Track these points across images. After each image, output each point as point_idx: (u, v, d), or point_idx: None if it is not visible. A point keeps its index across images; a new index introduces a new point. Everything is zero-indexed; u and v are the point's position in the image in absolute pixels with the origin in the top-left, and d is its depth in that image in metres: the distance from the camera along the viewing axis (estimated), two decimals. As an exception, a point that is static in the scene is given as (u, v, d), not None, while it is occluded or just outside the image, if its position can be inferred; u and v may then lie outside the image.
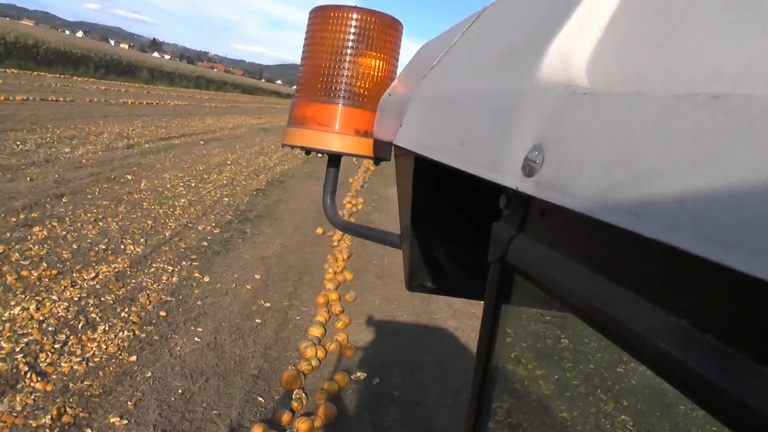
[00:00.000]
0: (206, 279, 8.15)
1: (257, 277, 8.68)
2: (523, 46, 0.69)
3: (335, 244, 11.16)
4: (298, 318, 7.50)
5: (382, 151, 1.74)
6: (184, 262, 8.60)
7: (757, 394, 0.31)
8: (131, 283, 7.46)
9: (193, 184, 13.87)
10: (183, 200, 12.11)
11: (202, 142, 21.74)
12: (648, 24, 0.48)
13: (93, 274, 7.32)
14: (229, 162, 18.33)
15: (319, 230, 11.92)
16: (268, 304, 7.81)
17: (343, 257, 10.39)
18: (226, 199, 13.09)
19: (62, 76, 41.42)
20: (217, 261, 9.01)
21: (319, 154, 1.77)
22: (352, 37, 1.64)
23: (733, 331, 0.36)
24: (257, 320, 7.13)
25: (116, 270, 7.67)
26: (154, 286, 7.53)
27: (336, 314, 7.73)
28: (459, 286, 1.54)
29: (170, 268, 8.25)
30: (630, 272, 0.48)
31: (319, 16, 1.67)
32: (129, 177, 13.09)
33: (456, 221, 1.42)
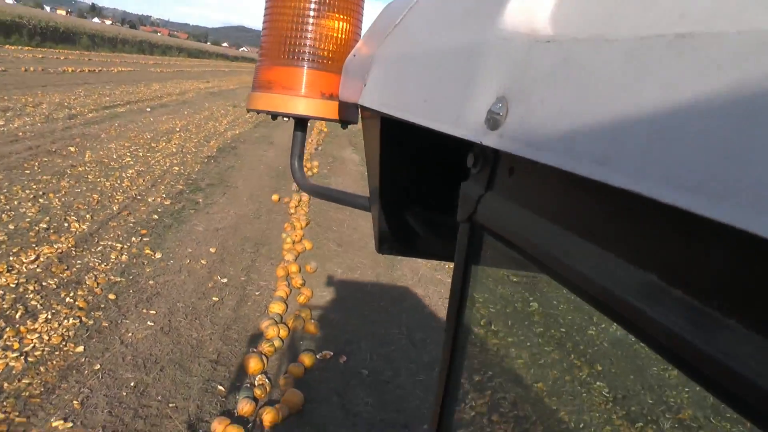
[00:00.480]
0: (158, 255, 7.67)
1: (212, 250, 8.22)
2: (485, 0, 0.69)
3: (292, 211, 10.72)
4: (257, 293, 7.10)
5: (348, 114, 1.72)
6: (133, 239, 8.08)
7: (725, 347, 0.31)
8: (76, 264, 6.94)
9: (140, 154, 13.20)
10: (131, 171, 11.48)
11: (148, 110, 20.85)
12: None
13: (33, 257, 6.77)
14: (177, 129, 17.59)
15: (275, 197, 11.46)
16: (225, 280, 7.38)
17: (301, 225, 9.97)
18: (176, 168, 12.48)
19: (-8, 45, 39.01)
20: (169, 235, 8.50)
21: (285, 119, 1.76)
22: None
23: (702, 283, 0.36)
24: (214, 298, 6.71)
25: (59, 251, 7.13)
26: (102, 266, 7.02)
27: (297, 287, 7.34)
28: (429, 247, 1.50)
29: (119, 245, 7.74)
30: (598, 227, 0.48)
31: None
32: (72, 149, 12.36)
33: (425, 182, 1.39)
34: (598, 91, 0.39)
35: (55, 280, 6.36)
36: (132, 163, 12.22)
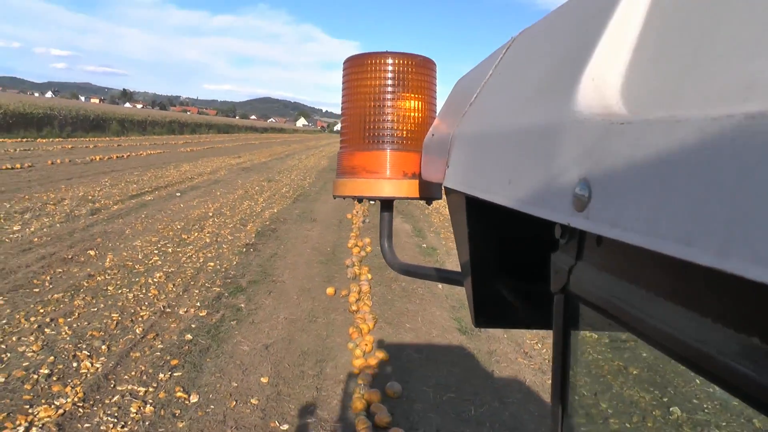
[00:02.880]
0: (193, 399, 5.80)
1: (264, 381, 6.34)
2: (556, 76, 0.71)
3: (354, 308, 8.82)
4: None
5: (431, 191, 1.76)
6: (161, 375, 6.24)
7: None
8: (80, 425, 5.10)
9: (170, 250, 11.50)
10: (158, 275, 9.74)
11: (178, 194, 19.34)
12: (675, 41, 0.49)
13: (23, 427, 4.94)
14: (210, 213, 15.97)
15: (330, 290, 9.60)
16: (285, 427, 5.47)
17: (369, 327, 8.06)
18: (212, 264, 10.73)
19: (23, 140, 38.12)
20: (208, 364, 6.64)
21: (371, 201, 1.84)
22: (390, 81, 1.70)
23: None
24: None
25: (61, 412, 5.30)
26: (119, 428, 5.17)
27: (384, 428, 5.41)
28: (526, 317, 1.42)
29: (142, 389, 5.90)
30: (693, 294, 0.48)
31: (354, 65, 1.73)
32: (91, 253, 10.71)
33: (515, 254, 1.35)
34: (676, 173, 0.40)
35: (52, 465, 4.51)
36: (160, 263, 10.49)
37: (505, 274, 1.39)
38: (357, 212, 16.96)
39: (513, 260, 1.37)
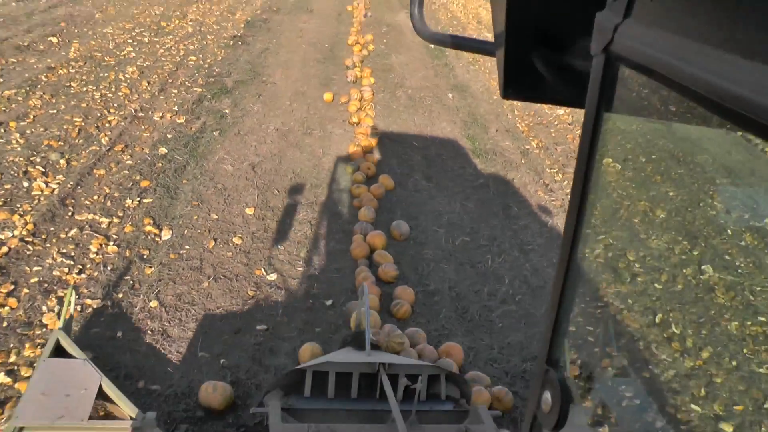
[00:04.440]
0: (165, 236, 4.83)
1: (249, 213, 5.34)
2: None
3: (354, 119, 7.64)
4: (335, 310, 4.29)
5: None
6: (128, 201, 5.22)
7: None
8: (28, 276, 4.17)
9: (146, 40, 10.01)
10: (131, 69, 8.39)
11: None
12: None
13: (-47, 272, 3.99)
14: (194, -2, 14.13)
15: (328, 96, 8.34)
16: (273, 277, 4.57)
17: (371, 143, 6.95)
18: (193, 59, 9.33)
19: None
20: (183, 188, 5.59)
21: None
22: None
23: None
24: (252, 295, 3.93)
25: (5, 251, 4.34)
26: (74, 274, 4.24)
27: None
28: (556, 92, 1.38)
29: (105, 220, 4.90)
30: (757, 43, 0.45)
31: None
32: (53, 40, 9.23)
33: (553, 23, 1.27)
34: None
35: (-16, 325, 3.61)
36: (134, 55, 9.08)
37: (540, 46, 1.31)
38: (358, 4, 15.10)
39: (550, 30, 1.28)
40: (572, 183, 0.87)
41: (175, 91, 7.91)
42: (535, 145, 7.89)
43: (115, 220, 4.93)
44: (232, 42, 10.57)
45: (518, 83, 1.40)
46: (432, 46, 12.07)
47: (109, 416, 3.03)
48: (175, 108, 7.35)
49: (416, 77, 9.86)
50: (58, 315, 3.62)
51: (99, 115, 6.82)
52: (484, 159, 7.22)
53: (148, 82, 8.04)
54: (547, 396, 1.03)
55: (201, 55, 9.58)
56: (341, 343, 4.10)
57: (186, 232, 4.92)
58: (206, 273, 4.46)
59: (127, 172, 5.69)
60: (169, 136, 6.58)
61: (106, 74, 8.06)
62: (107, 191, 5.31)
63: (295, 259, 4.82)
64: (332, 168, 6.40)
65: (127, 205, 5.14)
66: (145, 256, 4.53)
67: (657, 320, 4.91)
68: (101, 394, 2.98)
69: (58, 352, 3.13)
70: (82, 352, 3.13)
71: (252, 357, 3.78)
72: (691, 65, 0.53)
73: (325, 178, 6.16)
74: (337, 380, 3.12)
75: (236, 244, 4.86)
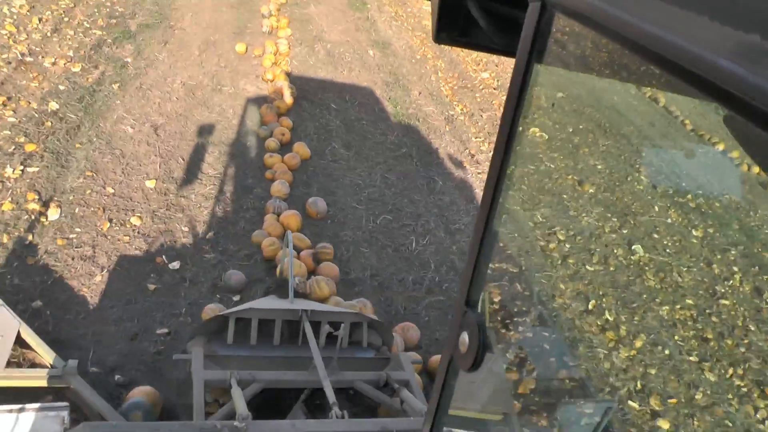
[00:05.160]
0: (53, 215, 4.28)
1: (149, 186, 4.82)
2: None
3: (269, 75, 7.09)
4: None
5: None
6: (8, 169, 4.59)
7: None
8: None
9: (39, -33, 8.95)
10: (19, 3, 7.45)
11: None
12: None
13: None
14: None
15: (241, 47, 7.72)
16: (176, 265, 4.14)
17: (287, 104, 6.47)
18: (93, -7, 8.42)
19: None
20: (76, 155, 4.99)
21: None
22: None
23: None
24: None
25: None
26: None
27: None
28: (490, 40, 1.33)
29: (-21, 192, 4.28)
30: None
31: None
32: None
33: None
34: None
35: None
36: (23, -14, 8.09)
37: None
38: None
39: None
40: (498, 132, 0.85)
41: (71, 33, 7.10)
42: (459, 110, 7.60)
43: (-8, 196, 4.32)
44: (137, -24, 9.62)
45: (451, 28, 1.38)
46: (354, -6, 11.45)
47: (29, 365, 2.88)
48: (70, 53, 6.59)
49: (336, 30, 9.31)
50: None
51: (-23, 59, 6.01)
52: (407, 125, 6.88)
53: (40, 20, 7.17)
54: (465, 337, 1.03)
55: (102, -11, 8.65)
56: (264, 292, 3.99)
57: (77, 210, 4.37)
58: (99, 263, 3.96)
59: (8, 132, 5.02)
60: (61, 87, 5.87)
61: (-13, 8, 7.13)
62: (-14, 156, 4.66)
63: (200, 243, 4.39)
64: (243, 132, 5.91)
65: (6, 176, 4.52)
66: (27, 242, 3.98)
67: (590, 307, 4.80)
68: (19, 342, 2.82)
69: None
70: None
71: (152, 370, 3.37)
72: (630, 14, 0.51)
73: (235, 145, 5.67)
74: (260, 328, 3.09)
75: (134, 226, 4.37)
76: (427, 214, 5.36)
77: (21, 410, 2.36)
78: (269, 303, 3.25)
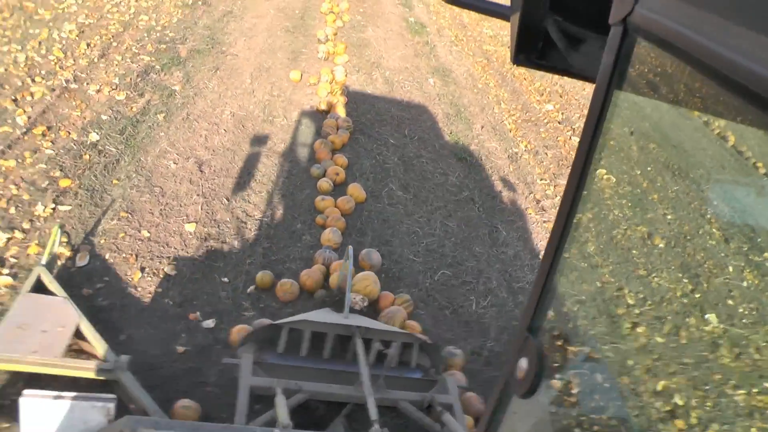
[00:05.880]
0: (80, 262, 3.80)
1: (189, 230, 4.33)
2: None
3: (323, 106, 6.60)
4: None
5: None
6: (38, 208, 4.15)
7: None
8: None
9: (93, -10, 8.71)
10: (69, 28, 7.16)
11: None
12: None
13: None
14: (155, -57, 12.68)
15: (295, 75, 7.26)
16: (211, 324, 3.61)
17: (342, 140, 5.95)
18: (145, 19, 8.10)
19: None
20: (112, 193, 4.54)
21: None
22: None
23: None
24: None
25: None
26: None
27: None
28: (567, 63, 1.32)
29: (3, 236, 3.83)
30: None
31: None
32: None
33: None
34: None
35: None
36: (75, 9, 7.80)
37: (556, 12, 1.26)
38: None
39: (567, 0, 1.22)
40: (571, 166, 0.83)
41: (119, 58, 6.74)
42: (523, 147, 6.98)
43: (18, 235, 3.87)
44: (191, 1, 9.32)
45: (530, 50, 1.36)
46: (412, 19, 10.99)
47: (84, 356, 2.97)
48: (116, 80, 6.21)
49: (395, 56, 8.81)
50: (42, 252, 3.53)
51: (20, 84, 5.66)
52: (469, 163, 6.29)
53: (88, 45, 6.84)
54: (523, 362, 1.01)
55: (154, 15, 8.35)
56: (320, 303, 3.87)
57: (108, 256, 3.89)
58: (125, 319, 3.45)
59: (44, 165, 4.60)
60: (104, 117, 5.47)
61: (37, 31, 6.82)
62: (14, 192, 4.24)
63: (240, 299, 3.86)
64: (294, 171, 5.40)
65: (36, 214, 4.08)
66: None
67: (660, 388, 4.11)
68: (78, 335, 2.95)
69: (39, 289, 3.11)
70: (63, 291, 3.09)
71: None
72: (715, 42, 0.49)
73: (284, 184, 5.17)
74: (312, 340, 3.08)
75: (169, 276, 3.87)
76: (488, 269, 4.75)
77: (72, 398, 2.39)
78: (324, 316, 3.21)
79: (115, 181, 4.63)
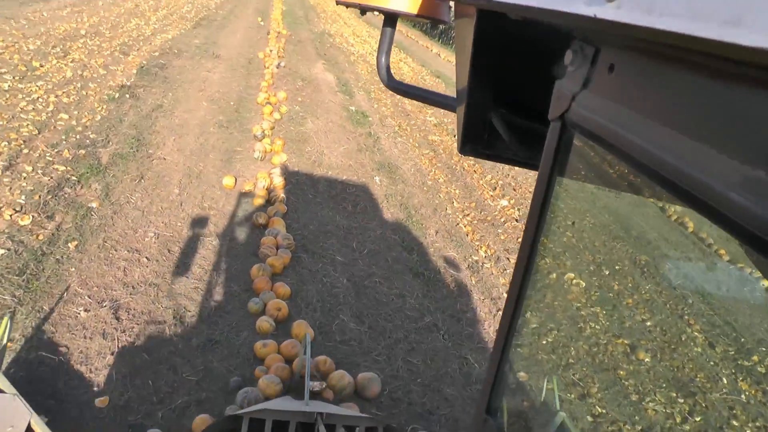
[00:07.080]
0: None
1: (99, 406, 3.45)
2: None
3: (261, 220, 5.85)
4: None
5: (440, 11, 1.62)
6: None
7: None
8: None
9: (6, 85, 7.85)
10: (-27, 134, 6.25)
11: (46, -6, 14.74)
12: None
13: None
14: (83, 31, 11.93)
15: (228, 181, 6.52)
16: None
17: (284, 261, 5.19)
18: (64, 118, 7.27)
19: None
20: None
21: (375, 13, 1.65)
22: None
23: None
24: None
25: None
26: None
27: None
28: (513, 153, 1.38)
29: None
30: (703, 123, 0.45)
31: None
32: None
33: (515, 85, 1.26)
34: None
35: None
36: (-18, 113, 6.92)
37: (500, 106, 1.30)
38: (271, 51, 13.28)
39: (510, 92, 1.27)
40: (521, 242, 0.84)
41: (29, 170, 5.87)
42: (483, 254, 6.36)
43: None
44: (118, 94, 8.54)
45: (476, 140, 1.38)
46: (353, 108, 10.46)
47: None
48: (22, 198, 5.32)
49: (337, 152, 8.18)
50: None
51: None
52: (427, 279, 5.61)
53: (-7, 156, 5.95)
54: None
55: (76, 112, 7.53)
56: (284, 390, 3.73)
57: None
58: None
59: None
60: (0, 252, 4.57)
61: (-67, 143, 5.91)
62: None
63: None
64: (228, 308, 4.59)
65: None
66: None
67: None
68: None
69: None
70: (12, 387, 2.82)
71: None
72: (640, 138, 0.52)
73: (218, 327, 4.34)
74: (274, 429, 2.93)
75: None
76: (465, 417, 4.03)
77: None
78: (284, 404, 3.09)
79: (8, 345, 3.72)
